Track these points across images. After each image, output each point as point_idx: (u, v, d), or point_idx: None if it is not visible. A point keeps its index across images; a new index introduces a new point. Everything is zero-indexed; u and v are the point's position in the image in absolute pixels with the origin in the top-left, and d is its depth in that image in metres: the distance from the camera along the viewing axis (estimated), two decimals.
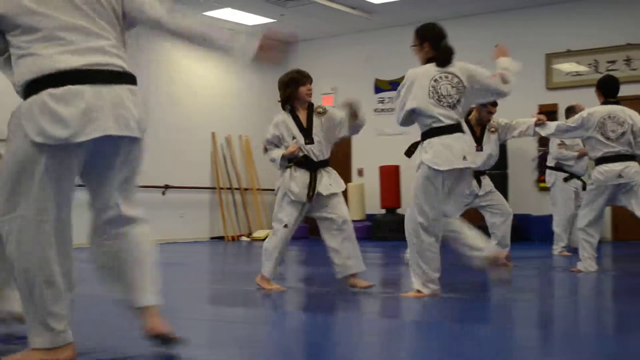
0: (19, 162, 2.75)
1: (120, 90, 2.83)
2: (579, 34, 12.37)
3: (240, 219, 14.37)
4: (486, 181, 7.44)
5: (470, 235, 5.10)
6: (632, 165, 6.72)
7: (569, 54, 12.52)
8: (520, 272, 6.94)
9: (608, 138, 6.71)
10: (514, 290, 5.58)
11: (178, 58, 13.45)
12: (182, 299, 5.27)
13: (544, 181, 9.85)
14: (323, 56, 14.82)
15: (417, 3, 12.68)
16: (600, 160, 6.78)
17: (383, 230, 13.27)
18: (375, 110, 14.37)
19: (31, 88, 2.74)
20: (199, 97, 13.55)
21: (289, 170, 5.64)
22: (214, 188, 14.00)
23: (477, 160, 6.19)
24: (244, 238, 13.96)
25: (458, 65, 5.25)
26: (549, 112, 12.29)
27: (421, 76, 5.17)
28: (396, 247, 9.59)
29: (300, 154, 5.62)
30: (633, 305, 5.03)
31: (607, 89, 6.92)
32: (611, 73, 10.16)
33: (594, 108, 6.87)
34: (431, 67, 5.19)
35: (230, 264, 9.49)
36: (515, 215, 7.67)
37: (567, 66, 12.57)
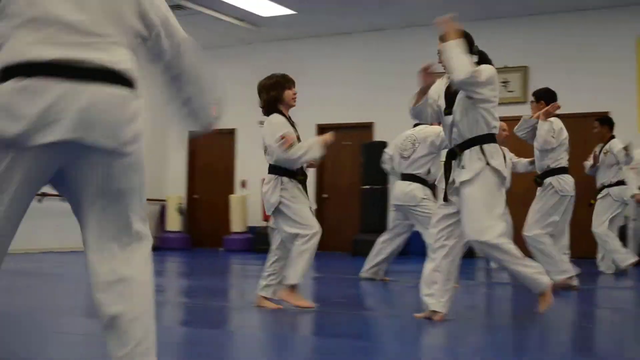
0: None
1: (104, 90, 2.31)
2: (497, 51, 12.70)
3: None
4: None
5: None
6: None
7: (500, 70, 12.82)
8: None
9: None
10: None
11: None
12: (58, 313, 5.13)
13: None
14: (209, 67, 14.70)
15: (302, 17, 12.78)
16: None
17: (264, 242, 13.23)
18: (260, 122, 14.34)
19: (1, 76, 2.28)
20: None
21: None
22: None
23: None
24: None
25: None
26: None
27: None
28: None
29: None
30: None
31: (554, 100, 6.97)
32: None
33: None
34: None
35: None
36: None
37: None
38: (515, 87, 12.30)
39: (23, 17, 2.28)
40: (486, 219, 4.59)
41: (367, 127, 13.48)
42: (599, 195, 8.89)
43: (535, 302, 4.94)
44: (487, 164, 4.64)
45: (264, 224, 13.64)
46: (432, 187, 7.28)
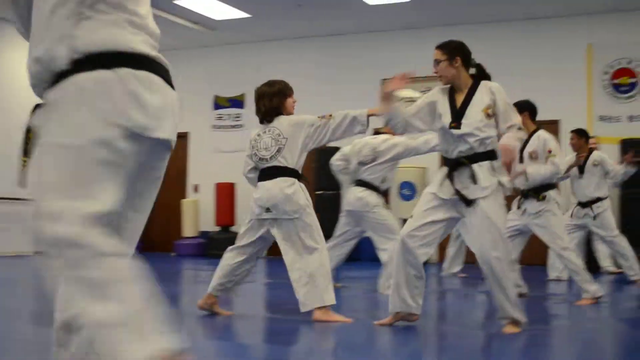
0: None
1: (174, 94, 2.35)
2: (416, 60, 12.81)
3: None
4: None
5: None
6: None
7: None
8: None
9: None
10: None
11: None
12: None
13: None
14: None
15: (257, 21, 12.75)
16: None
17: (217, 247, 13.14)
18: (214, 126, 14.28)
19: (100, 61, 2.13)
20: None
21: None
22: None
23: None
24: None
25: None
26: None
27: None
28: None
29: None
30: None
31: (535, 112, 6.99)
32: None
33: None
34: None
35: None
36: None
37: (406, 92, 12.90)
38: None
39: (126, 8, 2.22)
40: (499, 235, 4.61)
41: None
42: (600, 210, 8.41)
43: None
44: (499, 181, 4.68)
45: (217, 228, 13.57)
46: (385, 194, 7.28)
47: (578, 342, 4.89)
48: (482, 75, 4.95)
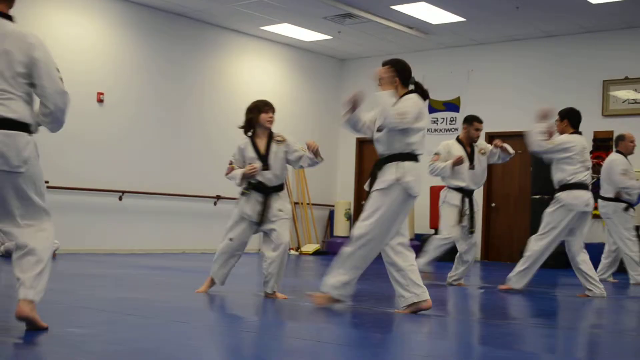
0: None
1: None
2: (637, 60, 12.26)
3: (290, 232, 14.41)
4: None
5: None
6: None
7: (626, 81, 12.40)
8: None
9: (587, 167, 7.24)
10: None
11: (235, 69, 13.65)
12: (232, 309, 5.31)
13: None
14: None
15: (473, 25, 12.68)
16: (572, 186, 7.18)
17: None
18: (429, 130, 14.30)
19: None
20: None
21: (244, 194, 6.16)
22: None
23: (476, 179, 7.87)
24: (292, 251, 14.03)
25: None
26: (604, 139, 12.24)
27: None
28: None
29: (258, 177, 6.07)
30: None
31: (577, 120, 7.31)
32: None
33: (573, 136, 7.24)
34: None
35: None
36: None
37: (624, 93, 12.45)
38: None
39: None
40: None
41: None
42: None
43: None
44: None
45: (431, 231, 13.64)
46: None
47: None
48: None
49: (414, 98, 5.31)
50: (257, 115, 6.07)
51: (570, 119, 7.26)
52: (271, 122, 6.10)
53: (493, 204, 13.67)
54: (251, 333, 4.42)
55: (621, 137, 8.81)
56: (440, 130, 14.20)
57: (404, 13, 12.19)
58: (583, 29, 12.68)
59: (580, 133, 7.29)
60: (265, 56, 14.41)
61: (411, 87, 5.45)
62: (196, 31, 13.12)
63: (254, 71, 14.13)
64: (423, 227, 13.94)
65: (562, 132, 7.26)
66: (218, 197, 13.19)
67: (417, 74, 15.09)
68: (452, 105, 14.13)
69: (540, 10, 11.76)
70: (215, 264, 6.26)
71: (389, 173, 5.24)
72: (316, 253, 13.87)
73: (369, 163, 15.02)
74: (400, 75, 5.40)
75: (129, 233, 12.04)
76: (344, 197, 15.28)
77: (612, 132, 12.03)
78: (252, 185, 6.10)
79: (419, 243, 13.61)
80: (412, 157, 5.32)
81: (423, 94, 5.44)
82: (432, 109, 14.32)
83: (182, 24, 12.88)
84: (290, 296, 6.16)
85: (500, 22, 12.54)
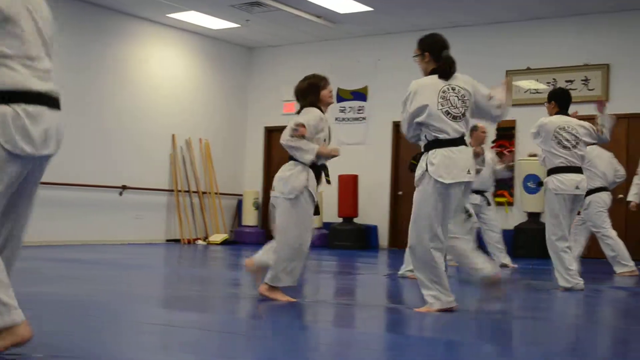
0: None
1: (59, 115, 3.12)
2: (539, 52, 12.57)
3: (197, 222, 14.30)
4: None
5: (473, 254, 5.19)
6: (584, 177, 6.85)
7: (528, 72, 12.70)
8: None
9: (564, 147, 6.76)
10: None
11: (140, 57, 13.39)
12: (135, 302, 5.24)
13: None
14: (285, 62, 14.87)
15: (381, 15, 12.77)
16: (556, 170, 6.82)
17: (340, 238, 13.35)
18: (337, 119, 14.34)
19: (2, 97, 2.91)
20: (160, 98, 13.46)
21: (307, 170, 5.51)
22: (171, 190, 13.92)
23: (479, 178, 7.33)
24: (199, 242, 13.91)
25: (462, 78, 5.25)
26: (507, 128, 12.52)
27: (427, 87, 5.08)
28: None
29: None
30: None
31: (565, 101, 7.02)
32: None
33: (549, 117, 6.95)
34: (436, 79, 5.11)
35: (185, 268, 9.43)
36: None
37: (527, 83, 12.75)
38: (595, 85, 12.05)
39: (19, 49, 2.94)
40: None
41: None
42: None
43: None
44: None
45: (339, 220, 13.70)
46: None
47: None
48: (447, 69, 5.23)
49: None
50: (317, 94, 5.46)
51: (558, 100, 7.04)
52: (331, 96, 5.56)
53: (400, 192, 13.81)
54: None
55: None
56: (349, 119, 14.23)
57: (312, 2, 12.16)
58: (488, 20, 12.93)
59: (568, 114, 7.01)
60: (173, 45, 14.16)
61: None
62: (99, 18, 12.73)
63: (162, 60, 13.88)
64: (332, 216, 13.98)
65: (551, 115, 7.00)
66: (124, 187, 12.94)
67: (324, 63, 15.16)
68: (360, 95, 14.17)
69: (447, 1, 11.92)
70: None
71: None
72: (224, 243, 13.77)
73: (277, 152, 14.97)
74: (430, 49, 5.16)
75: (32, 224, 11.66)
76: (252, 187, 15.19)
77: (514, 121, 12.34)
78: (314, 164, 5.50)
79: (327, 232, 13.72)
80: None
81: (443, 73, 5.14)
82: (340, 98, 14.29)
83: (84, 11, 12.48)
84: (199, 288, 6.07)
85: (408, 13, 12.64)
